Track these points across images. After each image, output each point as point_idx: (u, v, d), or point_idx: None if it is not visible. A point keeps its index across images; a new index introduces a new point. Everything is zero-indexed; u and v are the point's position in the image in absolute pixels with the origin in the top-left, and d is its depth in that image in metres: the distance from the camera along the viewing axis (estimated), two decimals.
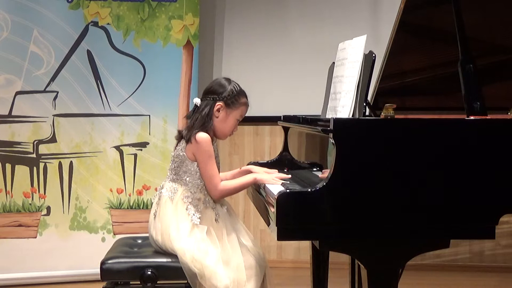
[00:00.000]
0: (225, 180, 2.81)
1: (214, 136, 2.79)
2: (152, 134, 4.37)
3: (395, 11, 2.78)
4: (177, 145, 2.78)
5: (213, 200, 2.74)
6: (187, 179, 2.71)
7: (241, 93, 2.78)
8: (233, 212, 2.85)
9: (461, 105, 2.51)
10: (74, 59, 4.26)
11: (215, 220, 2.72)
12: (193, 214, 2.67)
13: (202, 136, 2.69)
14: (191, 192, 2.70)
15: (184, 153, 2.71)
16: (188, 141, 2.70)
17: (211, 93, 2.77)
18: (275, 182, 2.64)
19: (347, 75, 2.59)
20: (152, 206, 2.82)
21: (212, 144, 2.73)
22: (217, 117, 2.75)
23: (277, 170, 2.85)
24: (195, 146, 2.68)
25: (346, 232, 2.20)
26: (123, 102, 4.36)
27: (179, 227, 2.65)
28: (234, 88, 2.77)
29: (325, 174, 2.50)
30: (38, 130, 4.23)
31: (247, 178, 2.78)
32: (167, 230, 2.67)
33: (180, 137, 2.76)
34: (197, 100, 2.79)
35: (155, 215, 2.75)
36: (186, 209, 2.68)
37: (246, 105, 2.80)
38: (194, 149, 2.69)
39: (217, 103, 2.74)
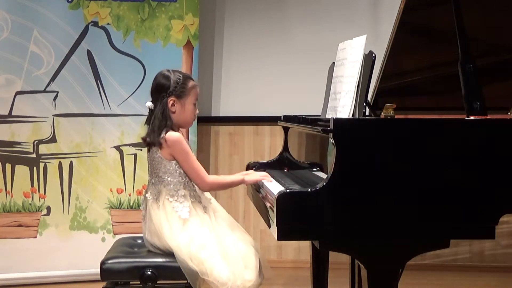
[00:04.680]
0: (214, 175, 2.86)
1: (180, 127, 2.79)
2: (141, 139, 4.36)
3: (395, 11, 2.78)
4: (149, 150, 2.77)
5: (198, 194, 2.76)
6: (169, 179, 2.71)
7: (186, 79, 2.76)
8: (218, 204, 2.87)
9: (461, 105, 2.51)
10: (74, 59, 4.25)
11: (204, 212, 2.74)
12: (181, 210, 2.68)
13: (173, 135, 2.69)
14: (174, 190, 2.70)
15: (160, 155, 2.71)
16: (159, 145, 2.69)
17: (158, 91, 2.74)
18: (263, 179, 2.72)
19: (347, 75, 2.59)
20: (142, 211, 2.83)
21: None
22: (174, 112, 2.73)
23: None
24: (169, 148, 2.68)
25: (346, 232, 2.20)
26: (123, 102, 4.36)
27: (171, 225, 2.66)
28: (178, 77, 2.74)
29: None
30: (38, 130, 4.23)
31: (236, 177, 2.84)
32: (161, 230, 2.67)
33: (147, 144, 2.75)
34: (149, 104, 2.76)
35: (146, 220, 2.77)
36: (173, 207, 2.69)
37: (195, 87, 2.79)
38: (169, 151, 2.69)
39: (169, 99, 2.72)
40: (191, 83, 2.77)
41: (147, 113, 2.78)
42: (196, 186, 2.76)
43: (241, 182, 2.82)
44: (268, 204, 2.44)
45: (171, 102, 2.72)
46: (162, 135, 2.68)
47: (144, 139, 2.76)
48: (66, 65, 4.24)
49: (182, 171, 2.71)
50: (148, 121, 2.77)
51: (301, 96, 4.58)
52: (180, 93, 2.73)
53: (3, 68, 4.14)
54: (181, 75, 2.76)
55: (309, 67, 4.65)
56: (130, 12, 4.32)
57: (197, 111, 2.83)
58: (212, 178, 2.78)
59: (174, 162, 2.70)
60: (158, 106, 2.73)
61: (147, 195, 2.77)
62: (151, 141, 2.71)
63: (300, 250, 4.71)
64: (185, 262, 2.58)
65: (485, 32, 2.86)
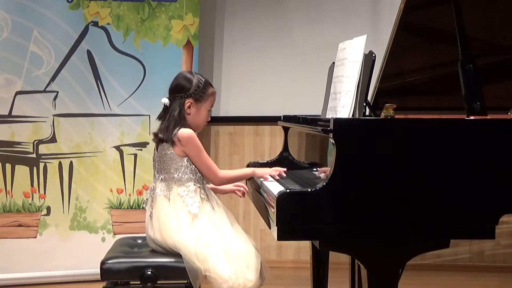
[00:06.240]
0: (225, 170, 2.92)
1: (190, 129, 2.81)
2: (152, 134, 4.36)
3: (395, 11, 2.78)
4: (158, 146, 2.78)
5: (206, 193, 2.78)
6: (180, 175, 2.73)
7: (206, 85, 2.80)
8: (223, 206, 2.89)
9: (461, 105, 2.51)
10: (74, 59, 4.26)
11: (211, 210, 2.75)
12: (191, 205, 2.69)
13: (186, 132, 2.71)
14: (185, 186, 2.72)
15: (172, 151, 2.72)
16: (171, 142, 2.71)
17: (178, 91, 2.77)
18: (273, 174, 2.78)
19: (347, 75, 2.59)
20: (146, 208, 2.83)
21: None
22: (189, 114, 2.76)
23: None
24: (182, 145, 2.71)
25: (346, 232, 2.20)
26: (123, 102, 4.36)
27: (178, 220, 2.68)
28: (199, 81, 2.78)
29: (322, 172, 2.51)
30: (38, 130, 4.23)
31: (247, 170, 2.95)
32: (166, 226, 2.68)
33: (158, 140, 2.77)
34: (165, 100, 2.80)
35: (151, 216, 2.77)
36: (184, 202, 2.70)
37: (214, 94, 2.83)
38: (183, 148, 2.71)
39: (187, 100, 2.75)
40: (210, 90, 2.81)
41: (161, 109, 2.81)
42: (205, 184, 2.78)
43: (252, 174, 2.88)
44: (268, 204, 2.44)
45: (188, 104, 2.75)
46: (175, 132, 2.71)
47: (156, 134, 2.79)
48: (66, 65, 4.24)
49: (193, 167, 2.73)
50: (161, 117, 2.80)
51: (301, 96, 4.58)
52: (199, 97, 2.76)
53: (3, 68, 4.14)
54: (203, 80, 2.80)
55: (309, 67, 4.65)
56: (130, 12, 4.33)
57: (209, 118, 2.86)
58: (223, 173, 2.83)
59: (185, 159, 2.73)
60: (174, 105, 2.76)
61: (157, 191, 2.77)
62: (164, 138, 2.74)
63: (300, 250, 4.71)
64: (189, 259, 2.60)
65: (485, 32, 2.85)
